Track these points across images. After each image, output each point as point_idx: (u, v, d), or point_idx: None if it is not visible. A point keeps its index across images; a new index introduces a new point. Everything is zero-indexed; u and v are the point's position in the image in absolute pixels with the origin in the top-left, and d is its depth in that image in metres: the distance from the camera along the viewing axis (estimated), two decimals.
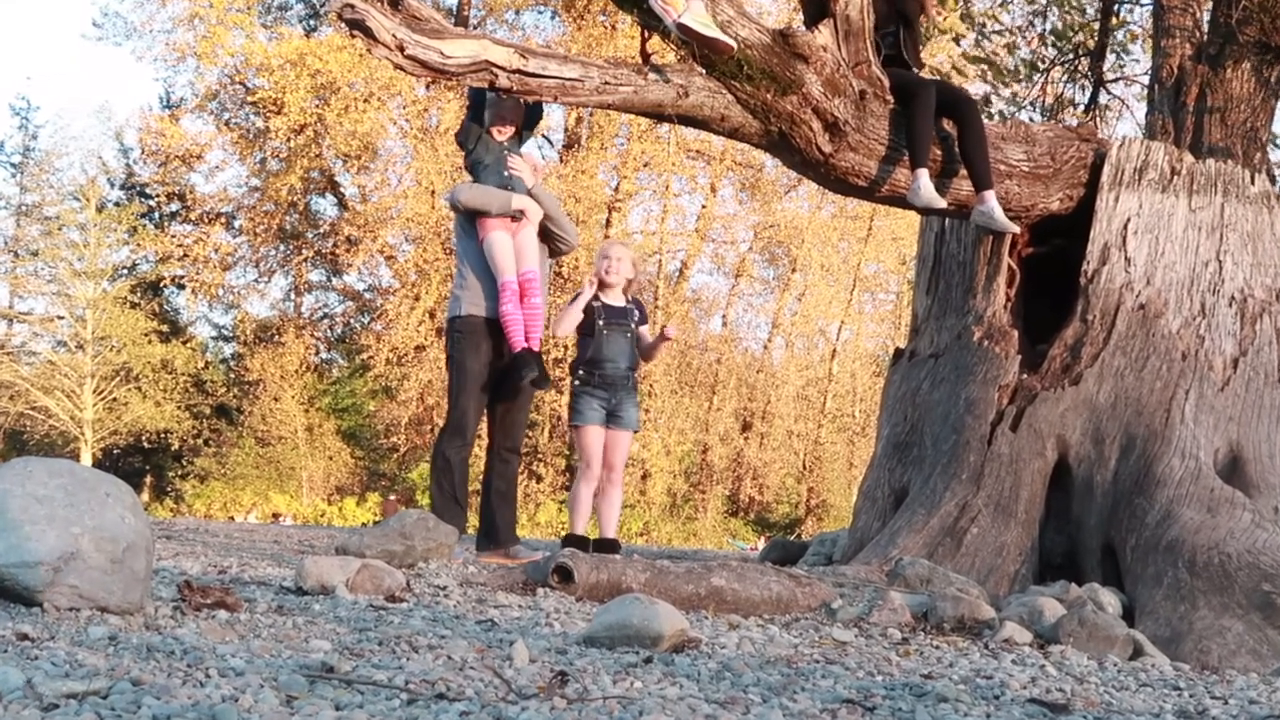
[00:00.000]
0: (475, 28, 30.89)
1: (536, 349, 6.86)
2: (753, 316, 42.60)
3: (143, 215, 39.16)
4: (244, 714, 2.40)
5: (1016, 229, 6.87)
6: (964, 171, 6.66)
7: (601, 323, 7.10)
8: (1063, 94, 12.09)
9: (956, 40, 13.12)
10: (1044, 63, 12.12)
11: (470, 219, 7.03)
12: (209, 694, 2.54)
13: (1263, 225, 7.22)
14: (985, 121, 6.90)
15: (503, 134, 7.08)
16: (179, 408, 37.24)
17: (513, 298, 6.85)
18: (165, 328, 38.39)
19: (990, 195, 6.57)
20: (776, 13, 30.85)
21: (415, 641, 3.46)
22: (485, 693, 2.78)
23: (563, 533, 7.35)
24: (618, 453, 7.14)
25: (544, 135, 37.43)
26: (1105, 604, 5.50)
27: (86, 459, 34.13)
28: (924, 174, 6.40)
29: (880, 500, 7.13)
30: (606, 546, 6.92)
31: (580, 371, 7.10)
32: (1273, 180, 9.14)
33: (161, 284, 39.02)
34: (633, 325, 7.17)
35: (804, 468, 39.21)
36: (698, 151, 36.00)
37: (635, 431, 7.26)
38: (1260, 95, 9.30)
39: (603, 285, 7.18)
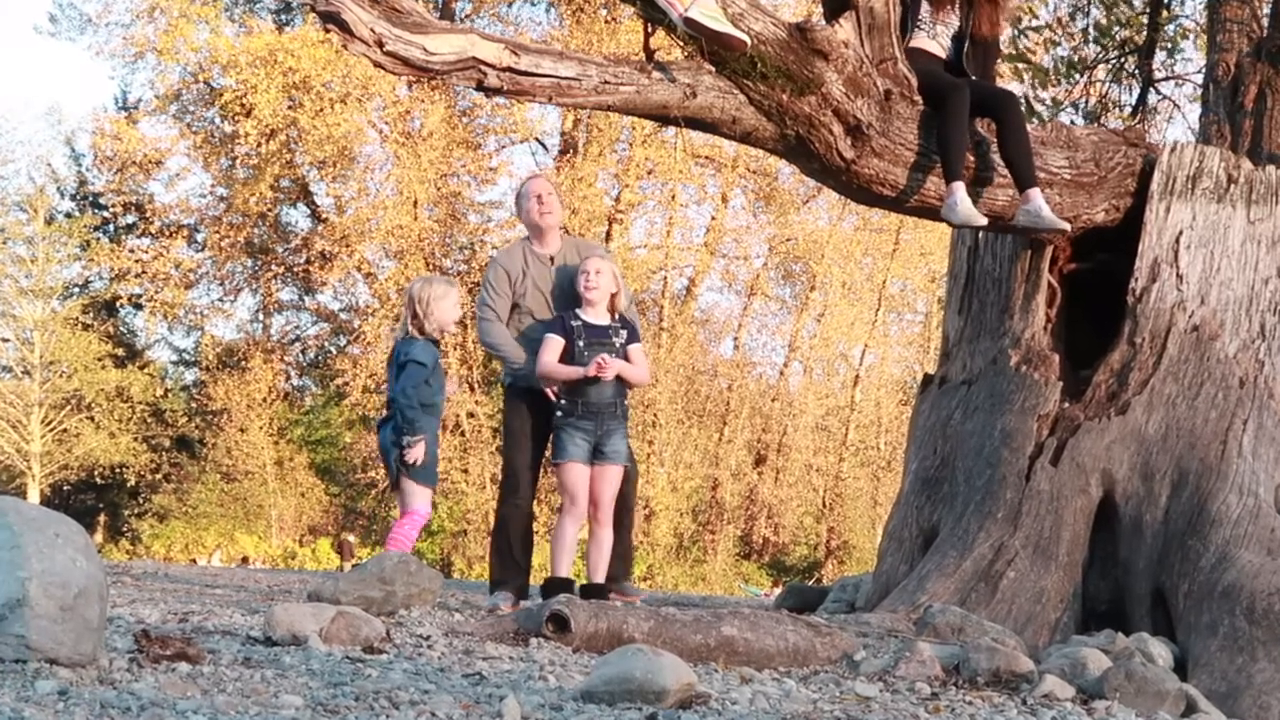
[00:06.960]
0: (463, 22, 31.01)
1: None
2: (767, 339, 42.73)
3: (96, 228, 39.34)
4: None
5: (1067, 226, 6.74)
6: (999, 180, 6.60)
7: (582, 344, 6.97)
8: (1108, 95, 12.12)
9: None
10: (1087, 61, 12.14)
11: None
12: None
13: None
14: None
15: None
16: (136, 439, 37.28)
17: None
18: (120, 351, 38.46)
19: (1036, 194, 6.47)
20: (794, 5, 30.97)
21: (395, 697, 3.46)
22: None
23: (582, 581, 7.27)
24: (605, 490, 7.01)
25: (538, 140, 37.66)
26: (1155, 655, 5.50)
27: (34, 496, 34.14)
28: (960, 187, 6.32)
29: (907, 541, 7.13)
30: (595, 592, 6.85)
31: (563, 401, 7.00)
32: None
33: (117, 303, 39.10)
34: (618, 345, 7.06)
35: (824, 506, 39.18)
36: (707, 158, 36.10)
37: (627, 466, 7.20)
38: None
39: (584, 302, 7.11)
